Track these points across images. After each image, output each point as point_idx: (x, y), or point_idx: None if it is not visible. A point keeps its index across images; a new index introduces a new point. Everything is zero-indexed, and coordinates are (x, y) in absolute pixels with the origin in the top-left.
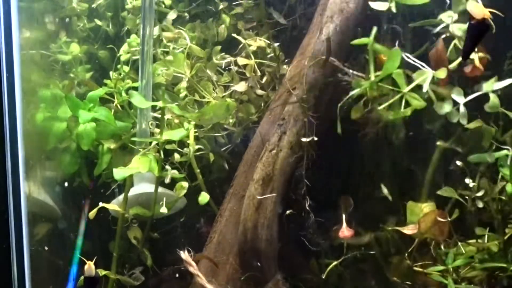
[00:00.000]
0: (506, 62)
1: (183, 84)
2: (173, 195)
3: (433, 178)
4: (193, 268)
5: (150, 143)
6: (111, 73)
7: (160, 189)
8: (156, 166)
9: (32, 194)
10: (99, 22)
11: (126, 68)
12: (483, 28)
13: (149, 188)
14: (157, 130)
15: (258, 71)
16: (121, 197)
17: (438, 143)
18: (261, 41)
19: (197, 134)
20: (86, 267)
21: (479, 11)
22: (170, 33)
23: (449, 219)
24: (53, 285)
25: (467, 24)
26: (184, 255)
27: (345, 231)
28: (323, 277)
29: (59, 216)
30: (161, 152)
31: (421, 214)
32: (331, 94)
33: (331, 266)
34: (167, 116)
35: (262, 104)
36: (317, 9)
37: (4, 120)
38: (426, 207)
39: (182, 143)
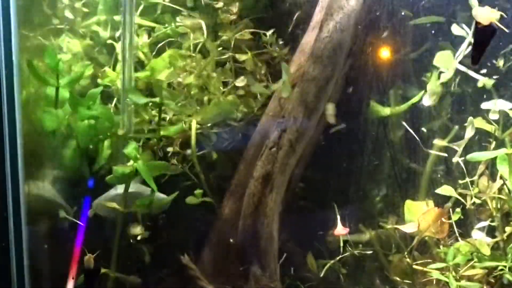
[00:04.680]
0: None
1: (192, 80)
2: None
3: (431, 176)
4: (194, 271)
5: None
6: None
7: (142, 188)
8: None
9: (38, 191)
10: (97, 27)
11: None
12: (490, 32)
13: (136, 187)
14: None
15: (259, 63)
16: (109, 193)
17: (435, 141)
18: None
19: (200, 131)
20: (86, 258)
21: (486, 15)
22: (189, 21)
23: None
24: (53, 283)
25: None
26: (185, 259)
27: (339, 229)
28: (321, 275)
29: (68, 211)
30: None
31: (419, 212)
32: (332, 91)
33: (328, 265)
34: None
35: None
36: (317, 6)
37: (3, 118)
38: (424, 205)
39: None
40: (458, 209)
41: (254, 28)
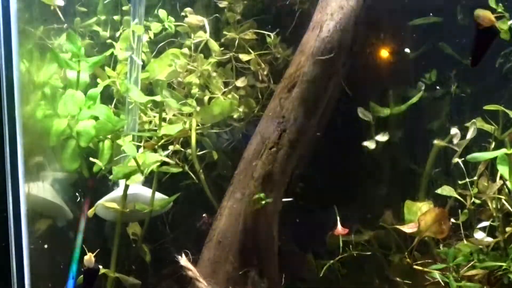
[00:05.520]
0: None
1: (194, 79)
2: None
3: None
4: (192, 273)
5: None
6: None
7: (142, 190)
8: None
9: (38, 193)
10: (97, 28)
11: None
12: (491, 35)
13: (136, 188)
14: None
15: (262, 64)
16: (111, 195)
17: (435, 141)
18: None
19: (201, 131)
20: (86, 257)
21: (486, 17)
22: (195, 19)
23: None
24: (53, 283)
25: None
26: (183, 260)
27: (340, 229)
28: (321, 275)
29: (68, 215)
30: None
31: (419, 213)
32: (331, 91)
33: (326, 265)
34: (170, 114)
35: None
36: (317, 6)
37: (3, 118)
38: (424, 206)
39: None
40: (465, 210)
41: (258, 28)
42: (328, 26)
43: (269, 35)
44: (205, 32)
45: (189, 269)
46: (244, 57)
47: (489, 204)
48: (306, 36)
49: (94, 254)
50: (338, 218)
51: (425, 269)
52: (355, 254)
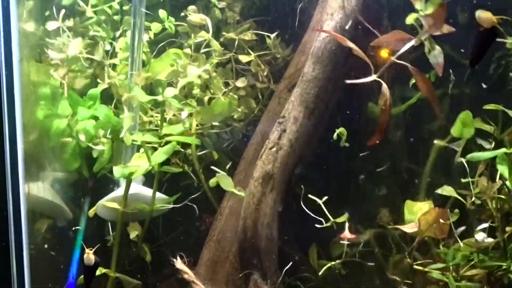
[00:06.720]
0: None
1: (195, 79)
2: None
3: (430, 176)
4: (188, 275)
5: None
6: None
7: (142, 190)
8: None
9: (38, 193)
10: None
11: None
12: (491, 36)
13: (136, 188)
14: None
15: (262, 65)
16: (111, 195)
17: (435, 141)
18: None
19: (201, 131)
20: (85, 256)
21: (488, 18)
22: (198, 17)
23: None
24: (53, 283)
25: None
26: (178, 263)
27: (347, 234)
28: (321, 275)
29: (68, 215)
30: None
31: (419, 213)
32: (331, 91)
33: (327, 266)
34: (170, 114)
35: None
36: (318, 5)
37: (3, 117)
38: (424, 205)
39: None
40: (456, 210)
41: (257, 29)
42: (328, 26)
43: (268, 36)
44: (208, 31)
45: (185, 272)
46: (244, 58)
47: (489, 204)
48: (306, 35)
49: (93, 250)
50: (346, 223)
51: (425, 269)
52: (357, 256)
